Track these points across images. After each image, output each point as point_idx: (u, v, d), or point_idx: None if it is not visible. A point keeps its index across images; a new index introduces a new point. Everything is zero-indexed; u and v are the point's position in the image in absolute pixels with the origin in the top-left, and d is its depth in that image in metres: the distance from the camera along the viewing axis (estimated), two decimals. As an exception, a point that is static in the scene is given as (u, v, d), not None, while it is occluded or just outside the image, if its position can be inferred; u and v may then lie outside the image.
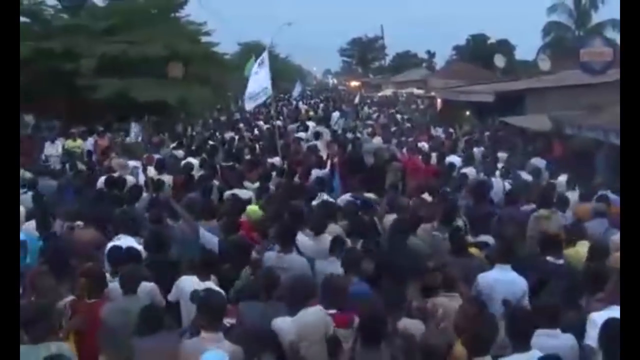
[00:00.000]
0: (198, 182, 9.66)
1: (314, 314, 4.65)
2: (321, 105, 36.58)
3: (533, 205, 7.76)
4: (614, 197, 7.41)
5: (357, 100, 36.21)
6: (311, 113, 28.77)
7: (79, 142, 15.76)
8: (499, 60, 34.75)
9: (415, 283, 5.33)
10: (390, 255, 6.05)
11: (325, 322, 4.64)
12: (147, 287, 5.22)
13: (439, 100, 29.77)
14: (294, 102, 38.28)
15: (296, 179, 9.99)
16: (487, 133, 16.83)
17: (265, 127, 21.35)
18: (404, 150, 13.09)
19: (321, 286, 4.93)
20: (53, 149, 15.01)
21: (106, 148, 15.09)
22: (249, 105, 11.66)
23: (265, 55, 11.07)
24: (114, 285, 5.24)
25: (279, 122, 21.13)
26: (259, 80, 10.91)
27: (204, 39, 26.07)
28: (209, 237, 6.44)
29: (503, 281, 5.28)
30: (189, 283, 5.34)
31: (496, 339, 4.15)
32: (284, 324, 4.62)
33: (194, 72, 22.56)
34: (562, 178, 9.63)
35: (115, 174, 10.03)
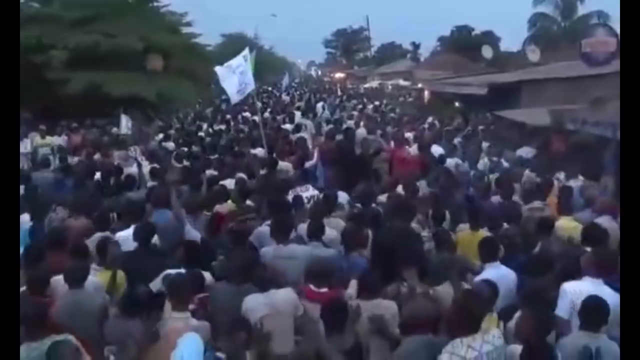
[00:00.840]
0: (188, 174, 9.47)
1: (284, 294, 4.83)
2: (305, 97, 35.60)
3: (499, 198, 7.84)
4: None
5: (339, 91, 35.39)
6: (298, 104, 28.01)
7: (49, 139, 14.70)
8: (487, 52, 33.88)
9: (412, 268, 5.20)
10: (390, 237, 5.91)
11: (294, 303, 4.81)
12: (94, 282, 5.11)
13: (426, 92, 28.79)
14: (280, 94, 37.55)
15: (289, 169, 9.84)
16: (480, 127, 15.82)
17: (252, 118, 20.87)
18: (390, 141, 12.65)
19: (309, 267, 5.08)
20: (22, 147, 13.61)
21: (80, 145, 14.18)
22: (235, 99, 11.08)
23: (247, 50, 10.63)
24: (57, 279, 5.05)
25: (266, 114, 21.54)
26: (243, 75, 10.39)
27: (185, 30, 25.00)
28: (194, 233, 6.36)
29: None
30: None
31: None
32: (254, 302, 4.71)
33: (175, 65, 21.43)
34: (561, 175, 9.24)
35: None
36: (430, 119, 19.45)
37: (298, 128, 15.23)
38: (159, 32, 19.41)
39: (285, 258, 5.58)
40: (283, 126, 16.72)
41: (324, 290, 4.88)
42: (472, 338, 3.70)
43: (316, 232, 5.99)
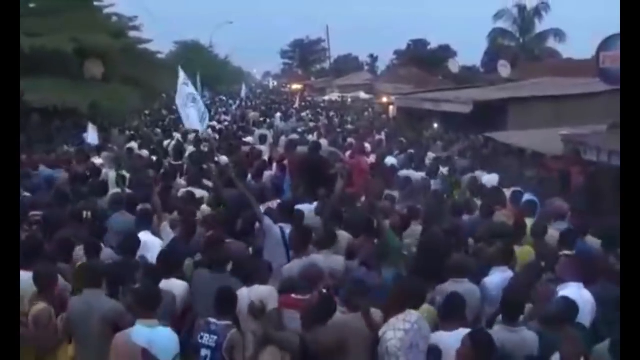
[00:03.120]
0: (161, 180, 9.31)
1: (267, 289, 4.92)
2: (263, 107, 33.67)
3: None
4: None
5: (297, 103, 34.57)
6: (252, 114, 27.06)
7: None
8: (453, 66, 31.94)
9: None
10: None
11: (273, 298, 4.82)
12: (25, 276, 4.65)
13: (391, 107, 26.56)
14: (240, 104, 36.18)
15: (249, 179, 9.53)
16: (468, 152, 13.45)
17: (218, 127, 20.35)
18: (348, 153, 12.37)
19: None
20: None
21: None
22: (202, 128, 9.73)
23: (181, 73, 9.28)
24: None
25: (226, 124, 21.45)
26: (197, 102, 9.11)
27: (133, 34, 22.12)
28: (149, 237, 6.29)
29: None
30: None
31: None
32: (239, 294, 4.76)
33: (116, 72, 18.49)
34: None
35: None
36: (385, 131, 18.51)
37: (262, 139, 15.03)
38: (97, 34, 16.30)
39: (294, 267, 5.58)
40: (245, 139, 16.28)
41: (308, 297, 4.83)
42: (404, 314, 4.23)
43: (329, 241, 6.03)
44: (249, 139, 16.25)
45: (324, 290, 4.92)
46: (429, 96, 18.87)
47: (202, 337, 4.43)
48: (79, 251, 5.76)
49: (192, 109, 8.81)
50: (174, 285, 5.14)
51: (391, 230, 6.31)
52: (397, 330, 4.14)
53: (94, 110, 15.50)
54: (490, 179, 9.88)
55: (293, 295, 4.88)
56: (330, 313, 4.40)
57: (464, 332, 4.18)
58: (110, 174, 9.83)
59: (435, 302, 4.95)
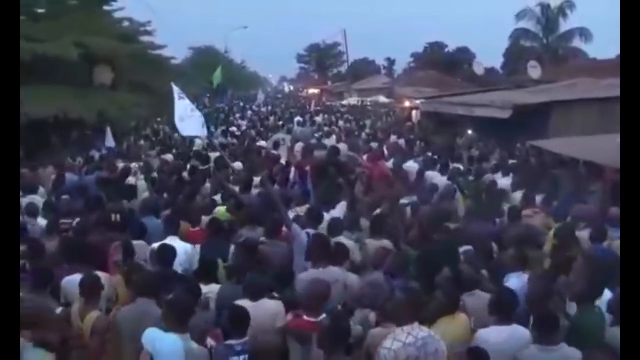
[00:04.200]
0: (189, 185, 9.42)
1: (275, 305, 4.86)
2: (281, 113, 32.56)
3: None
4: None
5: (312, 107, 34.12)
6: (271, 119, 26.71)
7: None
8: (478, 68, 30.36)
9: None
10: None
11: (279, 316, 4.76)
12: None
13: (415, 112, 25.10)
14: (258, 109, 35.56)
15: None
16: (511, 161, 11.88)
17: (237, 133, 20.25)
18: (365, 156, 11.69)
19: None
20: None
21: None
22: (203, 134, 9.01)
23: (174, 88, 8.55)
24: None
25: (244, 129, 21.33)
26: (194, 111, 8.53)
27: (146, 39, 21.00)
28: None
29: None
30: None
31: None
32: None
33: (126, 78, 17.35)
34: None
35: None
36: (410, 137, 17.59)
37: (276, 145, 14.72)
38: (105, 39, 15.07)
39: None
40: (259, 143, 16.08)
41: (322, 318, 4.58)
42: (412, 327, 3.96)
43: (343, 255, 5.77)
44: (262, 143, 16.01)
45: (340, 307, 4.91)
46: (459, 100, 17.34)
47: None
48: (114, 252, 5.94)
49: (191, 118, 8.38)
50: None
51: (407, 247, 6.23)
52: (396, 341, 3.94)
53: (101, 119, 14.24)
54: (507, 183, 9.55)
55: (305, 317, 4.64)
56: (346, 335, 4.18)
57: (517, 327, 4.35)
58: (139, 180, 10.02)
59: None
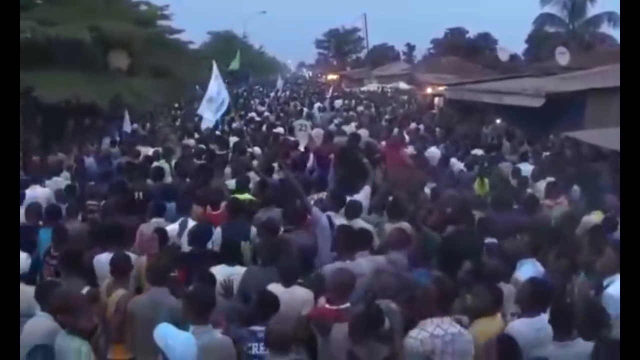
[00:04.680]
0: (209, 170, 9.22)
1: (305, 292, 4.80)
2: (302, 98, 32.48)
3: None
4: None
5: (330, 93, 32.96)
6: (292, 105, 26.12)
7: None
8: (503, 54, 29.33)
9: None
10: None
11: (308, 304, 4.72)
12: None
13: (436, 98, 24.30)
14: (276, 95, 34.95)
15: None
16: (545, 153, 11.11)
17: (257, 119, 19.83)
18: (384, 143, 11.60)
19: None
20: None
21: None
22: (208, 115, 9.79)
23: (214, 66, 9.86)
24: None
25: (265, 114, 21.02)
26: (220, 91, 9.38)
27: (164, 24, 20.42)
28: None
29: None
30: (218, 271, 5.12)
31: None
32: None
33: (143, 63, 16.81)
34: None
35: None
36: (432, 124, 17.23)
37: (292, 130, 14.75)
38: (120, 22, 14.50)
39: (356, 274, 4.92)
40: (276, 129, 15.74)
41: (345, 306, 4.47)
42: (441, 320, 3.90)
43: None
44: (279, 129, 15.81)
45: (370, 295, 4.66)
46: (486, 87, 16.53)
47: (250, 348, 4.27)
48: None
49: (212, 103, 9.02)
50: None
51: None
52: (423, 330, 3.91)
53: (115, 105, 13.75)
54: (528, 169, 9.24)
55: (327, 306, 4.56)
56: (380, 323, 4.05)
57: (544, 319, 4.12)
58: (164, 164, 10.01)
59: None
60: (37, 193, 7.85)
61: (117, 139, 13.94)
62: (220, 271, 5.10)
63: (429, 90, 26.30)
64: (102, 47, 13.95)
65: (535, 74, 22.02)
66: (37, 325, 4.07)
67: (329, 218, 6.15)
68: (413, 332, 3.89)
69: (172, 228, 6.33)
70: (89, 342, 3.99)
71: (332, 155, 9.71)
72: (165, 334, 3.88)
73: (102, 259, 5.34)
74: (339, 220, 6.29)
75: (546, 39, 41.49)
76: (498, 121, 15.38)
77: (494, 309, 4.35)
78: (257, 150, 11.40)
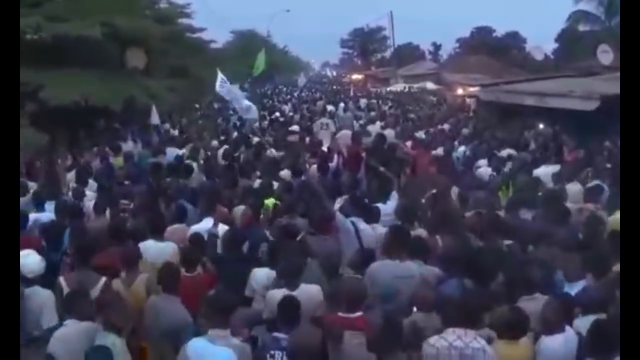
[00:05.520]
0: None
1: (315, 289, 4.80)
2: (327, 97, 31.36)
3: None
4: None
5: (352, 92, 33.46)
6: (318, 104, 25.64)
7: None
8: (538, 52, 27.73)
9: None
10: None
11: (318, 302, 4.72)
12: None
13: (468, 100, 22.92)
14: (301, 94, 34.91)
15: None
16: (608, 165, 9.76)
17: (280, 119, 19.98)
18: (409, 143, 11.80)
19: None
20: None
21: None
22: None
23: (219, 75, 10.48)
24: None
25: (290, 114, 21.13)
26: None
27: (185, 22, 19.51)
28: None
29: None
30: (261, 274, 5.22)
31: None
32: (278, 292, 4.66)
33: (161, 62, 15.85)
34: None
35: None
36: (464, 129, 16.07)
37: (310, 130, 14.69)
38: (135, 19, 13.48)
39: (402, 277, 4.89)
40: (292, 127, 15.72)
41: (358, 314, 4.28)
42: (465, 332, 3.75)
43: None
44: (294, 127, 15.67)
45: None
46: (527, 88, 15.12)
47: (273, 356, 4.16)
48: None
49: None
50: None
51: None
52: (442, 339, 3.74)
53: (129, 106, 12.72)
54: (546, 171, 8.72)
55: (340, 314, 4.34)
56: (398, 338, 3.83)
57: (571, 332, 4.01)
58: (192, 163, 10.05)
59: None
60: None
61: (137, 139, 13.91)
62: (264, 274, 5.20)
63: (460, 91, 24.91)
64: (115, 45, 12.93)
65: (574, 74, 20.54)
66: (76, 330, 4.16)
67: (354, 223, 6.04)
68: (432, 339, 3.79)
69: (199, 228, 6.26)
70: (121, 337, 4.09)
71: (363, 155, 9.61)
72: (203, 352, 3.82)
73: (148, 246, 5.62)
74: (364, 225, 6.15)
75: (580, 37, 39.74)
76: (541, 126, 13.96)
77: (514, 334, 4.00)
78: (273, 151, 11.46)
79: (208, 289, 4.90)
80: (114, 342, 4.00)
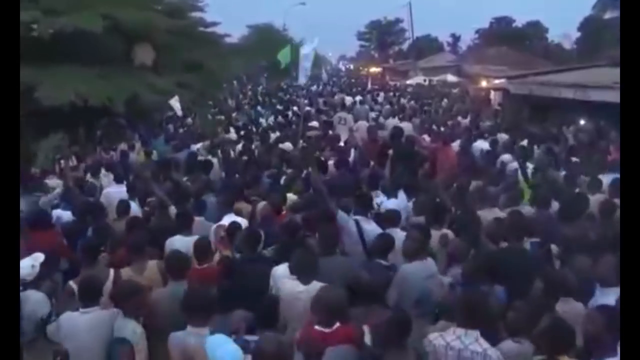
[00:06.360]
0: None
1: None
2: (346, 91, 30.78)
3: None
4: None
5: (369, 85, 32.23)
6: (337, 97, 25.05)
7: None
8: (567, 41, 26.23)
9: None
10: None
11: None
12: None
13: (493, 93, 21.65)
14: (315, 89, 33.78)
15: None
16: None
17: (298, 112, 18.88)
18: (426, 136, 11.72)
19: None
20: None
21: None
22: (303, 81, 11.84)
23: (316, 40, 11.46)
24: None
25: (307, 108, 20.12)
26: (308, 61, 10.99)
27: (196, 15, 18.52)
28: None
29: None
30: (281, 271, 4.98)
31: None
32: (291, 288, 4.60)
33: (170, 57, 14.88)
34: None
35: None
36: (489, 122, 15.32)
37: (328, 124, 14.22)
38: (139, 11, 12.48)
39: (430, 277, 4.89)
40: (311, 123, 15.53)
41: (334, 328, 3.95)
42: (465, 332, 3.61)
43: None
44: (314, 123, 15.44)
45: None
46: (563, 79, 13.84)
47: None
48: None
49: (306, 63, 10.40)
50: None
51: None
52: (440, 337, 3.67)
53: (133, 104, 11.75)
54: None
55: (316, 327, 3.98)
56: (407, 332, 3.58)
57: None
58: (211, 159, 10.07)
59: None
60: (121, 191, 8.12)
61: (146, 137, 13.82)
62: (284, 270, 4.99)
63: (484, 83, 23.60)
64: (118, 39, 11.96)
65: (606, 64, 19.14)
66: (97, 316, 4.26)
67: (357, 222, 5.87)
68: (432, 336, 3.75)
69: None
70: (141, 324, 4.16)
71: (390, 152, 9.33)
72: (216, 344, 3.73)
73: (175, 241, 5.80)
74: (368, 224, 5.96)
75: (604, 25, 38.17)
76: (582, 122, 12.67)
77: (559, 350, 3.52)
78: (287, 145, 11.27)
79: (214, 282, 4.86)
80: (135, 329, 4.12)
